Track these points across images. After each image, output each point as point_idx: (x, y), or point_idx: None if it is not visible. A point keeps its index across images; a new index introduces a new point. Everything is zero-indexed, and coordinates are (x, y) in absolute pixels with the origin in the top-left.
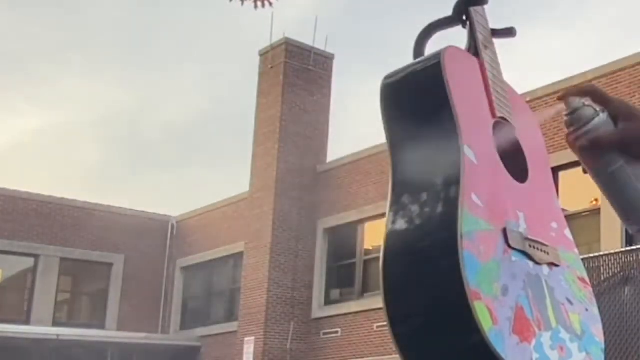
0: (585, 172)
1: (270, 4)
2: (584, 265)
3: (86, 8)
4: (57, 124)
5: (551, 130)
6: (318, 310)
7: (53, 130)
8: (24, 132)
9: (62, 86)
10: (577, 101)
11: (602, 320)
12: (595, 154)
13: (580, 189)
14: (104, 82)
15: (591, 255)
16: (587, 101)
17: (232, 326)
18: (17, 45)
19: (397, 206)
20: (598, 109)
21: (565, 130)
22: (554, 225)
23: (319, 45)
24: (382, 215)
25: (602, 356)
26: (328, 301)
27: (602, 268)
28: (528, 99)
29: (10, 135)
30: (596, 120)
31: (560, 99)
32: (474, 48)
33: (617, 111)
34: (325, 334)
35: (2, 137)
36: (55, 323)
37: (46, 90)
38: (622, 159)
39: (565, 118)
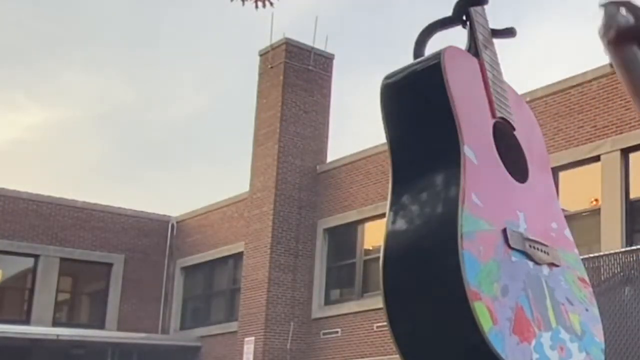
0: (611, 66)
1: (271, 3)
2: (584, 265)
3: (88, 4)
4: (57, 121)
5: (551, 130)
6: (318, 310)
7: (53, 127)
8: (24, 128)
9: (62, 82)
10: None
11: (602, 320)
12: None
13: (580, 189)
14: (104, 80)
15: (591, 255)
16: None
17: (232, 326)
18: (18, 39)
19: (397, 206)
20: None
21: (565, 131)
22: (554, 225)
23: (319, 45)
24: (382, 215)
25: (602, 356)
26: (328, 301)
27: (602, 268)
28: (528, 99)
29: (10, 131)
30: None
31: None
32: (474, 48)
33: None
34: (325, 334)
35: (2, 133)
36: (55, 323)
37: (47, 85)
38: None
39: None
